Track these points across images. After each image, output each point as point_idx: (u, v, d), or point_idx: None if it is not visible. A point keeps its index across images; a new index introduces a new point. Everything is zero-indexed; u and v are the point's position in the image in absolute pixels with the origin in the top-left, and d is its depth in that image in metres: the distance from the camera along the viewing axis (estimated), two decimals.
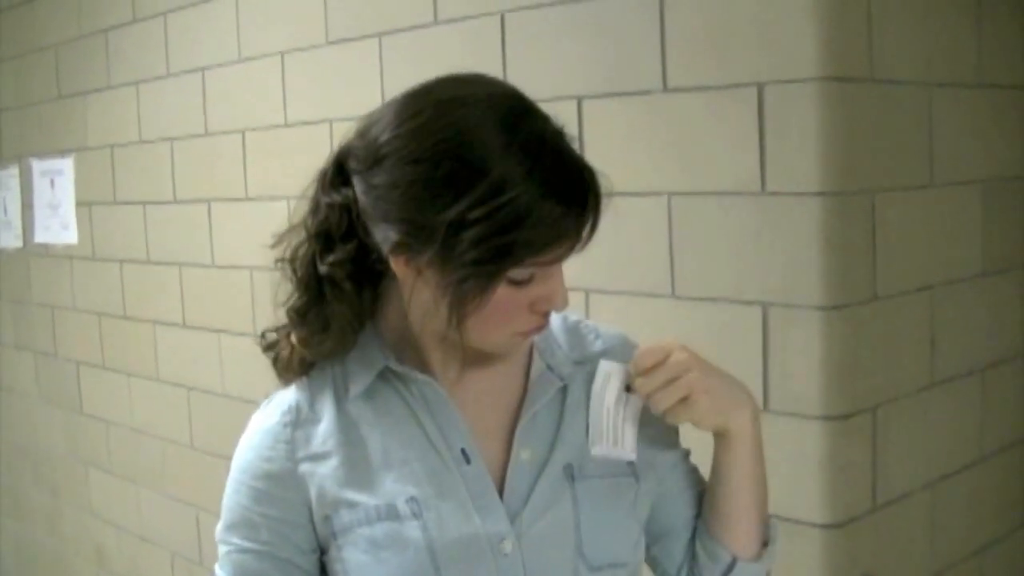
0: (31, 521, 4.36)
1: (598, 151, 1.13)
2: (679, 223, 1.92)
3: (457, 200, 1.03)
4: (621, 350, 1.26)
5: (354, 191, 1.12)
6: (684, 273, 1.92)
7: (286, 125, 2.78)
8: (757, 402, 1.24)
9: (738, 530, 1.24)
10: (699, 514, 1.28)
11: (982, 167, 2.08)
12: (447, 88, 1.11)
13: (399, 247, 1.09)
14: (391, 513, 1.13)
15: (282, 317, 1.19)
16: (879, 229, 1.82)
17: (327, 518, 1.15)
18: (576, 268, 1.13)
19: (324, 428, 1.17)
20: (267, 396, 1.23)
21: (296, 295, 1.17)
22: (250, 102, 2.90)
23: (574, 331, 1.28)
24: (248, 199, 2.93)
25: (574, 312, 1.26)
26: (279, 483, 1.16)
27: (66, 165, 3.76)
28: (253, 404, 1.24)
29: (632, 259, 1.98)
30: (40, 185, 3.94)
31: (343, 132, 1.17)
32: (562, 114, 1.12)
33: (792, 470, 1.77)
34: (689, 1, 1.88)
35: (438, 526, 1.12)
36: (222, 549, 1.19)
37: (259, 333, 1.24)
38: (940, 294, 1.98)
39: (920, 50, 1.91)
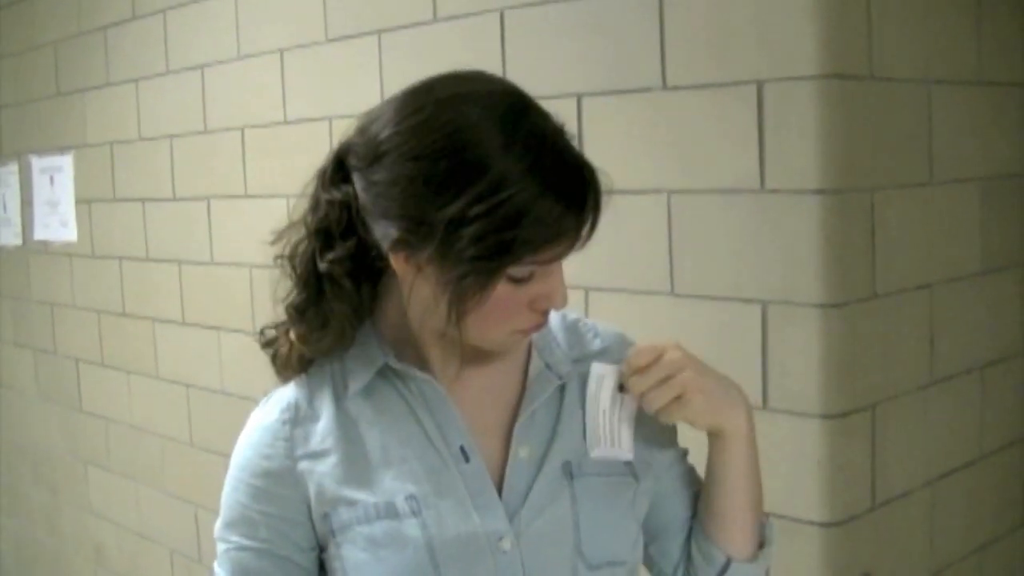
0: (30, 519, 4.36)
1: (597, 149, 1.13)
2: (678, 221, 1.92)
3: (457, 197, 1.03)
4: (619, 349, 1.26)
5: (354, 188, 1.12)
6: (683, 271, 1.92)
7: (285, 122, 2.78)
8: (751, 402, 1.24)
9: (733, 531, 1.24)
10: (696, 514, 1.28)
11: (981, 165, 2.08)
12: (447, 85, 1.11)
13: (399, 244, 1.08)
14: (390, 511, 1.13)
15: (281, 314, 1.19)
16: (878, 227, 1.82)
17: (326, 516, 1.15)
18: (575, 266, 1.13)
19: (323, 426, 1.17)
20: (266, 394, 1.23)
21: (295, 292, 1.17)
22: (249, 99, 2.90)
23: (573, 329, 1.28)
24: (247, 196, 2.93)
25: (573, 310, 1.26)
26: (278, 481, 1.16)
27: (65, 162, 3.76)
28: (252, 401, 1.24)
29: (631, 257, 1.98)
30: (39, 182, 3.94)
31: (342, 129, 1.17)
32: (561, 112, 1.12)
33: (791, 469, 1.77)
34: None
35: (437, 524, 1.12)
36: (221, 547, 1.19)
37: (258, 330, 1.24)
38: (939, 292, 1.98)
39: (919, 48, 1.91)
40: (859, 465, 1.82)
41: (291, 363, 1.20)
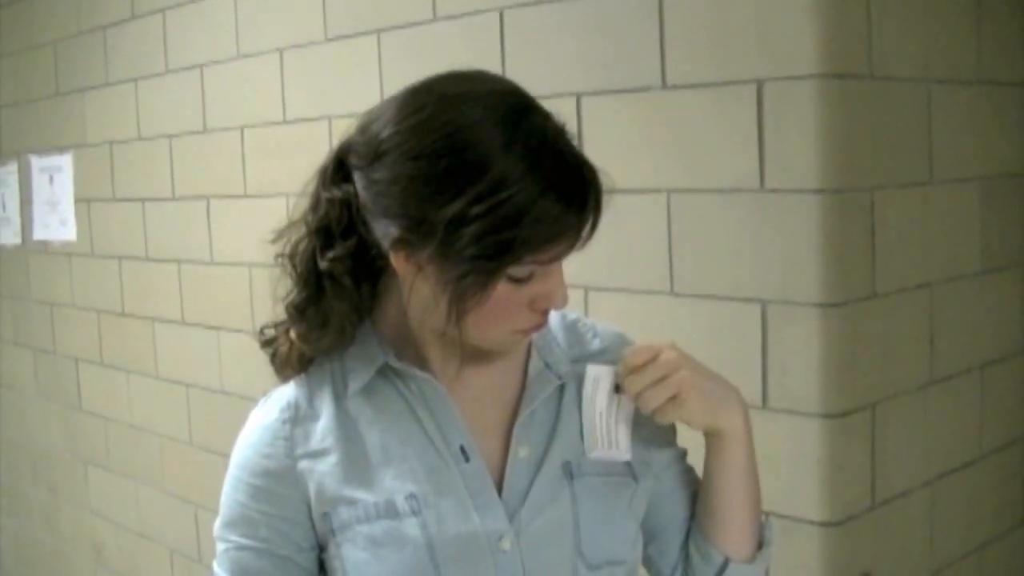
0: (29, 518, 4.36)
1: (597, 148, 1.13)
2: (678, 220, 1.92)
3: (458, 196, 1.03)
4: (618, 349, 1.26)
5: (355, 187, 1.12)
6: (683, 270, 1.92)
7: (285, 122, 2.78)
8: (751, 401, 1.24)
9: (731, 531, 1.24)
10: (694, 514, 1.28)
11: (981, 164, 2.08)
12: (448, 84, 1.11)
13: (399, 243, 1.08)
14: (390, 510, 1.13)
15: (281, 313, 1.19)
16: (878, 226, 1.82)
17: (326, 515, 1.15)
18: (575, 265, 1.13)
19: (323, 425, 1.17)
20: (265, 393, 1.23)
21: (296, 291, 1.17)
22: (249, 99, 2.90)
23: (572, 329, 1.28)
24: (247, 196, 2.93)
25: (572, 310, 1.26)
26: (278, 480, 1.16)
27: (65, 162, 3.76)
28: (251, 401, 1.24)
29: (631, 256, 1.98)
30: (39, 182, 3.94)
31: (342, 129, 1.17)
32: (561, 111, 1.12)
33: (791, 468, 1.77)
34: None
35: (437, 523, 1.12)
36: (220, 546, 1.19)
37: (258, 329, 1.24)
38: (939, 291, 1.97)
39: (919, 47, 1.91)
40: (859, 464, 1.82)
41: (291, 362, 1.20)
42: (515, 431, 1.18)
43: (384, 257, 1.12)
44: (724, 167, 1.84)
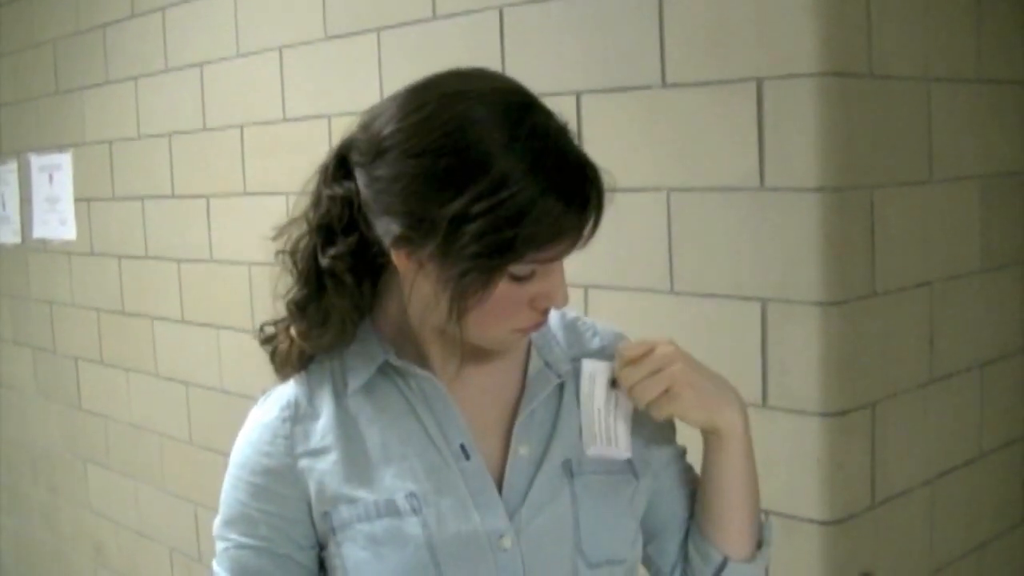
0: (29, 517, 4.36)
1: (597, 147, 1.13)
2: (678, 219, 1.92)
3: (459, 194, 1.03)
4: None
5: (356, 184, 1.12)
6: (683, 269, 1.92)
7: (284, 120, 2.78)
8: (751, 400, 1.24)
9: (730, 530, 1.24)
10: (693, 513, 1.28)
11: (981, 163, 2.08)
12: (451, 82, 1.11)
13: (401, 240, 1.08)
14: (391, 509, 1.13)
15: (281, 310, 1.19)
16: (878, 225, 1.82)
17: (326, 514, 1.14)
18: (575, 264, 1.12)
19: (323, 423, 1.17)
20: (264, 391, 1.23)
21: (296, 288, 1.17)
22: (248, 97, 2.90)
23: (571, 328, 1.28)
24: (246, 194, 2.93)
25: (571, 309, 1.26)
26: (278, 479, 1.16)
27: (64, 160, 3.76)
28: (251, 400, 1.24)
29: (631, 255, 1.98)
30: (38, 180, 3.94)
31: (342, 127, 1.17)
32: (561, 109, 1.12)
33: (790, 467, 1.77)
34: None
35: (437, 522, 1.12)
36: (220, 545, 1.19)
37: (258, 327, 1.24)
38: (939, 290, 1.97)
39: (919, 45, 1.91)
40: (859, 463, 1.82)
41: (291, 360, 1.20)
42: (515, 430, 1.18)
43: (385, 255, 1.12)
44: (724, 166, 1.84)
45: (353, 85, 2.54)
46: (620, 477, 1.21)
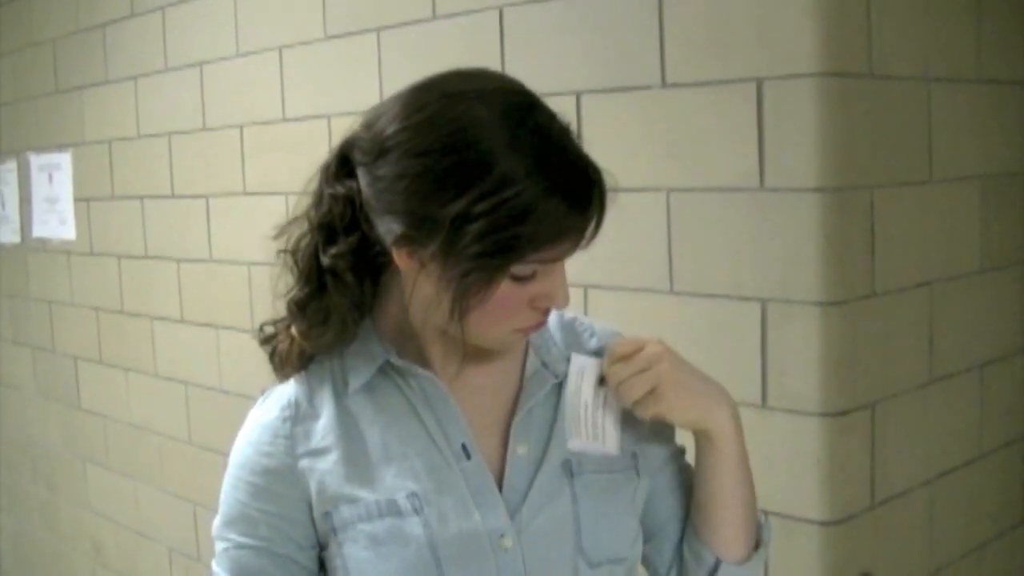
0: (28, 517, 4.36)
1: (597, 147, 1.13)
2: (677, 219, 1.92)
3: (462, 194, 1.03)
4: None
5: (358, 183, 1.12)
6: (682, 269, 1.92)
7: (284, 120, 2.78)
8: (747, 402, 1.24)
9: (723, 532, 1.23)
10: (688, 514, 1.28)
11: (981, 163, 2.08)
12: (454, 82, 1.11)
13: (403, 240, 1.08)
14: (392, 509, 1.13)
15: (281, 309, 1.19)
16: (878, 225, 1.82)
17: (327, 514, 1.14)
18: (575, 264, 1.12)
19: (323, 423, 1.17)
20: (263, 391, 1.23)
21: (297, 287, 1.17)
22: (248, 97, 2.90)
23: (569, 328, 1.28)
24: (246, 194, 2.93)
25: (569, 310, 1.26)
26: (278, 479, 1.16)
27: (64, 160, 3.76)
28: (250, 399, 1.24)
29: (630, 255, 1.98)
30: (38, 180, 3.94)
31: (341, 127, 1.17)
32: (561, 109, 1.11)
33: (790, 467, 1.77)
34: None
35: (438, 522, 1.12)
36: (220, 545, 1.19)
37: (258, 327, 1.23)
38: (939, 290, 1.97)
39: (919, 45, 1.91)
40: (858, 464, 1.82)
41: (291, 360, 1.20)
42: (513, 429, 1.18)
43: (386, 254, 1.12)
44: (724, 166, 1.84)
45: (353, 85, 2.54)
46: (622, 475, 1.21)
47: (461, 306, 1.07)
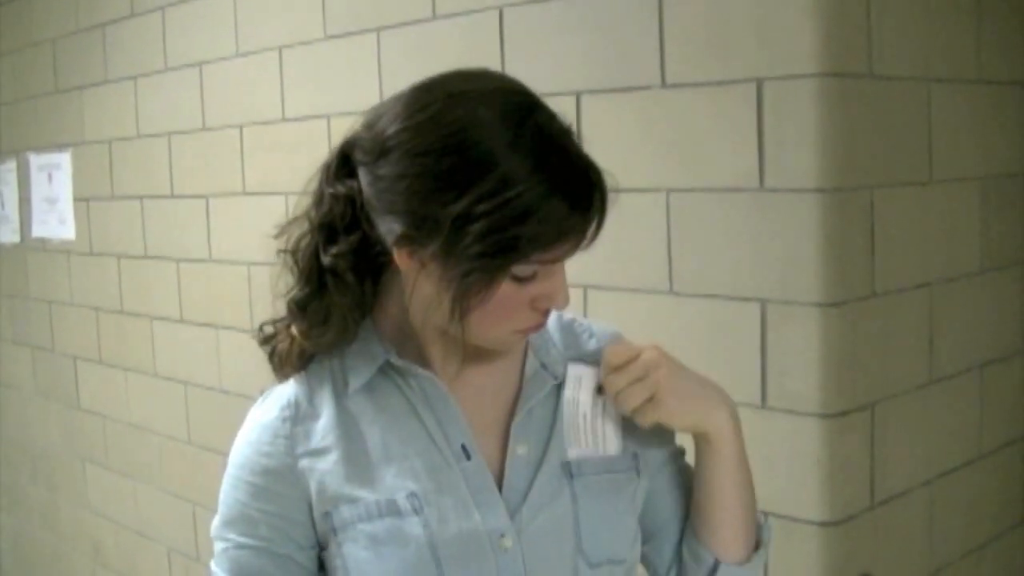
0: (28, 516, 4.36)
1: (596, 147, 1.13)
2: (677, 219, 1.92)
3: (463, 194, 1.03)
4: None
5: (359, 183, 1.12)
6: (682, 269, 1.92)
7: (284, 120, 2.78)
8: (747, 402, 1.24)
9: (722, 533, 1.23)
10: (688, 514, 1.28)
11: (981, 164, 2.08)
12: (455, 82, 1.11)
13: (403, 239, 1.08)
14: (392, 509, 1.13)
15: (281, 309, 1.19)
16: (878, 226, 1.82)
17: (327, 514, 1.14)
18: (574, 264, 1.12)
19: (323, 423, 1.17)
20: (263, 391, 1.23)
21: (297, 287, 1.17)
22: (248, 96, 2.90)
23: (568, 330, 1.28)
24: (246, 194, 2.93)
25: (568, 310, 1.26)
26: (278, 479, 1.16)
27: (63, 159, 3.76)
28: (250, 399, 1.24)
29: (630, 255, 1.98)
30: (37, 179, 3.94)
31: (341, 127, 1.17)
32: (561, 110, 1.11)
33: (790, 468, 1.77)
34: None
35: (439, 522, 1.12)
36: (219, 546, 1.19)
37: (257, 326, 1.23)
38: (939, 291, 1.97)
39: (919, 46, 1.91)
40: (858, 464, 1.82)
41: (291, 359, 1.20)
42: (512, 430, 1.18)
43: (387, 254, 1.12)
44: (724, 166, 1.84)
45: (353, 85, 2.54)
46: (623, 475, 1.21)
47: (461, 306, 1.07)
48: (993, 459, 2.15)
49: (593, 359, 1.22)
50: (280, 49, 2.76)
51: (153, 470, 3.47)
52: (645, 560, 1.29)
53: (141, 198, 3.38)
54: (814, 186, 1.73)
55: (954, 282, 2.02)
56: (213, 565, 1.19)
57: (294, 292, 1.17)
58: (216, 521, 1.20)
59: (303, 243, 1.16)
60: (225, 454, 1.21)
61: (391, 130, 1.09)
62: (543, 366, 1.22)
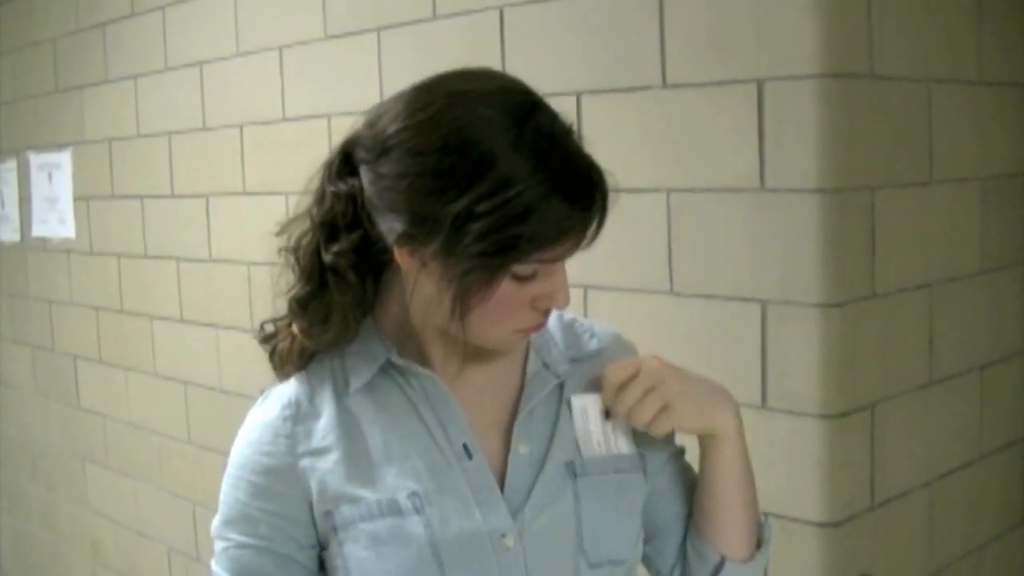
0: (27, 516, 4.36)
1: (597, 147, 1.13)
2: (678, 219, 1.92)
3: (464, 193, 1.03)
4: (616, 349, 1.28)
5: (360, 181, 1.12)
6: (682, 270, 1.92)
7: (284, 119, 2.78)
8: (747, 402, 1.24)
9: (727, 531, 1.24)
10: (691, 513, 1.28)
11: (981, 164, 2.08)
12: (457, 82, 1.12)
13: (404, 238, 1.08)
14: (393, 508, 1.12)
15: (281, 308, 1.19)
16: (878, 226, 1.82)
17: (328, 513, 1.14)
18: (575, 264, 1.12)
19: (324, 423, 1.17)
20: (262, 391, 1.23)
21: (298, 285, 1.17)
22: (248, 96, 2.90)
23: (569, 329, 1.29)
24: (246, 193, 2.93)
25: (569, 310, 1.26)
26: (279, 478, 1.15)
27: (64, 159, 3.76)
28: (250, 399, 1.24)
29: (631, 255, 1.98)
30: (38, 179, 3.94)
31: (341, 126, 1.17)
32: (561, 110, 1.12)
33: (790, 468, 1.77)
34: None
35: (440, 521, 1.12)
36: (219, 545, 1.19)
37: (258, 325, 1.23)
38: (939, 291, 1.97)
39: (920, 46, 1.91)
40: (858, 465, 1.82)
41: (291, 358, 1.20)
42: (515, 429, 1.18)
43: (388, 252, 1.12)
44: (724, 166, 1.84)
45: (353, 85, 2.54)
46: (629, 476, 1.22)
47: (462, 305, 1.08)
48: (993, 460, 2.15)
49: (591, 385, 1.22)
50: (280, 49, 2.76)
51: (153, 470, 3.47)
52: (647, 560, 1.29)
53: (141, 198, 3.38)
54: (815, 186, 1.73)
55: (954, 282, 2.02)
56: (213, 564, 1.19)
57: (295, 290, 1.17)
58: (216, 520, 1.20)
59: (304, 241, 1.16)
60: (225, 454, 1.21)
61: (392, 129, 1.09)
62: (545, 366, 1.22)
